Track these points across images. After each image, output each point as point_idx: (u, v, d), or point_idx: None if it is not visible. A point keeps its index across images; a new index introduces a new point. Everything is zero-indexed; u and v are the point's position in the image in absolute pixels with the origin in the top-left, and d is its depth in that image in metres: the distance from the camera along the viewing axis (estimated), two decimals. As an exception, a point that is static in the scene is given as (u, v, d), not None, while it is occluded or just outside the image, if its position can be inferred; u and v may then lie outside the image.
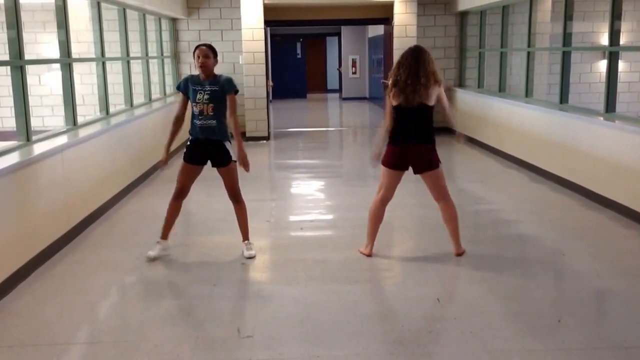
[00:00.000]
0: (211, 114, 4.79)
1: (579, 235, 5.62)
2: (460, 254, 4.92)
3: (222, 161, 4.90)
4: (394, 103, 4.69)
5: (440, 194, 4.86)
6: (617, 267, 4.79)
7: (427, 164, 4.76)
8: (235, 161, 4.94)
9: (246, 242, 5.10)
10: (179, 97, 4.96)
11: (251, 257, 4.98)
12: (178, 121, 4.96)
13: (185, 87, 4.87)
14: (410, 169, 4.81)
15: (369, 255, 4.96)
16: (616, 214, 6.04)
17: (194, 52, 4.86)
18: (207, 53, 4.80)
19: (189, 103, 4.90)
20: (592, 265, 4.83)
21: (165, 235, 5.07)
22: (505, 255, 5.15)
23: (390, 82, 4.70)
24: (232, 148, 4.94)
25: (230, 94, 4.83)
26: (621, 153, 6.09)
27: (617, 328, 3.77)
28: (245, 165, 4.90)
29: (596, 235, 5.60)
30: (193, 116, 4.86)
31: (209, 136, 4.84)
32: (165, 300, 4.33)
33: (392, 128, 4.75)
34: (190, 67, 11.64)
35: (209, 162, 4.96)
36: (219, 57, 12.08)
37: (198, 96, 4.78)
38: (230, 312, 4.06)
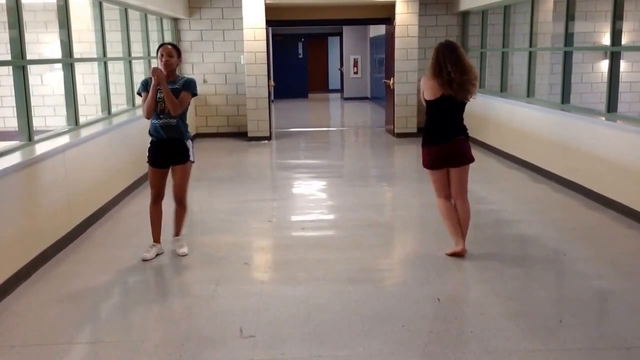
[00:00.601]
0: (171, 113, 4.78)
1: (581, 236, 5.62)
2: (464, 254, 4.93)
3: (180, 159, 4.92)
4: (434, 97, 4.66)
5: (461, 191, 4.88)
6: (618, 267, 4.79)
7: (465, 156, 4.80)
8: (192, 162, 4.98)
9: (177, 237, 5.12)
10: (141, 100, 4.90)
11: (185, 255, 5.02)
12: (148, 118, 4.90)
13: (146, 88, 4.85)
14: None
15: (463, 252, 4.87)
16: (618, 214, 6.04)
17: (157, 50, 4.87)
18: (171, 52, 4.82)
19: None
20: (593, 266, 4.83)
21: (156, 238, 5.11)
22: (506, 255, 5.15)
23: (432, 77, 4.66)
24: (192, 147, 4.97)
25: (186, 92, 4.80)
26: (623, 153, 6.08)
27: (619, 328, 3.77)
28: (159, 74, 4.71)
29: (598, 236, 5.60)
30: (155, 117, 4.84)
31: (170, 135, 4.85)
32: (167, 300, 4.33)
33: (430, 125, 4.78)
34: (192, 68, 11.66)
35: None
36: (221, 57, 12.15)
37: (159, 95, 4.77)
38: (232, 312, 4.06)
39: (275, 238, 5.71)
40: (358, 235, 5.39)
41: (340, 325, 3.79)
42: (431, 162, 4.82)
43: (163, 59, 4.78)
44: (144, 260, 4.96)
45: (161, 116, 4.81)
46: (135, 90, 8.62)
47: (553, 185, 7.38)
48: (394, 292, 4.47)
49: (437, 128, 4.77)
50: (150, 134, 4.93)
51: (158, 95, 4.76)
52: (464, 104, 4.77)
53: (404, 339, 3.62)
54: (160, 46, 4.89)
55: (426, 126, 4.84)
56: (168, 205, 5.11)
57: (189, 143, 4.95)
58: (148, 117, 4.85)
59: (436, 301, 4.16)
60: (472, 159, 4.85)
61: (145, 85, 4.86)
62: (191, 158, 4.96)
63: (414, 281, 4.57)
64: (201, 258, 5.10)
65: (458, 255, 4.89)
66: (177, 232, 5.14)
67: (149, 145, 4.96)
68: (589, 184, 6.70)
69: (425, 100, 4.75)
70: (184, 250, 5.08)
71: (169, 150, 4.90)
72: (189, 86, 4.83)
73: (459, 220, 4.91)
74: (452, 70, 4.59)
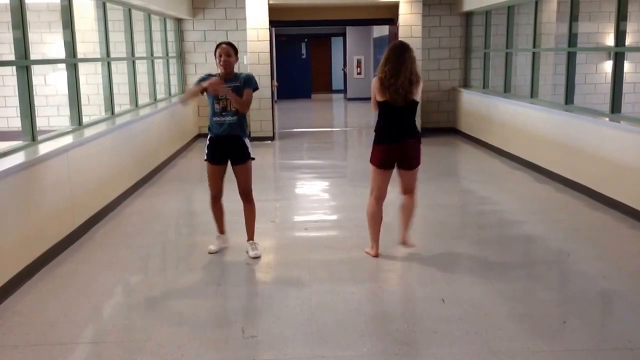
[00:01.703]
0: (233, 109, 4.83)
1: (584, 236, 5.61)
2: (407, 244, 4.99)
3: (241, 158, 4.95)
4: (380, 99, 4.72)
5: (409, 188, 4.93)
6: (622, 268, 4.78)
7: (414, 160, 4.83)
8: (253, 158, 5.02)
9: (251, 242, 5.11)
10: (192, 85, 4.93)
11: (257, 257, 4.99)
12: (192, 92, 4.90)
13: (200, 81, 4.86)
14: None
15: (376, 255, 4.96)
16: (622, 214, 6.02)
17: (215, 50, 4.88)
18: (229, 51, 4.84)
19: (207, 101, 4.91)
20: (597, 266, 4.81)
21: (221, 230, 5.20)
22: (510, 256, 5.14)
23: (377, 78, 4.72)
24: (250, 146, 5.01)
25: (249, 89, 4.85)
26: (626, 154, 6.07)
27: (623, 329, 3.76)
28: (215, 85, 4.73)
29: (601, 236, 5.59)
30: (213, 114, 4.88)
31: (230, 132, 4.88)
32: (169, 300, 4.33)
33: (380, 125, 4.81)
34: (195, 68, 11.66)
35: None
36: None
37: (220, 95, 4.80)
38: (234, 312, 4.06)
39: (278, 238, 5.71)
40: (361, 236, 5.38)
41: (343, 326, 3.79)
42: (379, 160, 4.82)
43: (222, 59, 4.80)
44: (210, 253, 5.04)
45: (223, 113, 4.85)
46: (139, 89, 8.68)
47: (557, 186, 7.36)
48: (397, 293, 4.47)
49: (385, 128, 4.77)
50: (210, 131, 4.95)
51: (221, 95, 4.78)
52: (414, 106, 4.74)
53: (408, 340, 3.61)
54: (217, 46, 4.88)
55: (377, 125, 4.85)
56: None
57: (247, 141, 4.98)
58: (184, 104, 4.87)
59: (440, 301, 4.15)
60: (418, 163, 4.86)
61: (202, 79, 4.85)
62: (251, 155, 5.01)
63: (417, 281, 4.56)
64: (203, 258, 5.09)
65: (372, 256, 4.96)
66: (251, 236, 5.14)
67: (207, 142, 4.98)
68: (593, 184, 6.68)
69: (377, 101, 4.76)
70: (256, 252, 5.04)
71: (227, 148, 4.93)
72: (250, 82, 4.86)
73: (405, 214, 4.97)
74: (387, 72, 4.62)
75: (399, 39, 11.10)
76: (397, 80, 4.61)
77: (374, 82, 4.74)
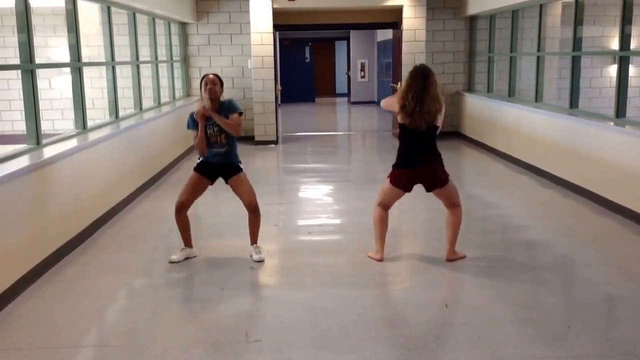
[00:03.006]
0: (224, 142, 4.93)
1: (589, 241, 5.59)
2: (451, 259, 4.93)
3: (233, 172, 5.00)
4: (401, 122, 4.72)
5: (452, 203, 4.91)
6: (627, 273, 4.76)
7: (438, 182, 4.81)
8: (242, 169, 5.06)
9: (255, 245, 5.11)
10: (192, 134, 4.99)
11: (260, 261, 4.99)
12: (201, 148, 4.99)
13: (194, 124, 4.93)
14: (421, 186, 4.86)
15: (380, 260, 4.95)
16: (627, 219, 6.00)
17: (201, 81, 4.95)
18: (215, 80, 4.91)
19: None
20: (602, 272, 4.80)
21: (187, 243, 5.14)
22: (514, 260, 5.13)
23: (399, 103, 4.69)
24: (240, 163, 5.07)
25: (234, 113, 4.88)
26: (632, 158, 6.05)
27: (627, 334, 3.74)
28: (202, 113, 4.82)
29: (606, 241, 5.57)
30: (208, 144, 4.95)
31: (222, 161, 4.98)
32: (173, 304, 4.33)
33: (401, 147, 4.81)
34: (200, 71, 11.68)
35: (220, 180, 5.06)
36: (228, 61, 12.15)
37: (209, 131, 4.90)
38: (238, 316, 4.06)
39: (282, 242, 5.71)
40: (364, 240, 5.37)
41: (346, 330, 3.78)
42: (397, 182, 4.82)
43: (207, 87, 4.85)
44: (171, 262, 4.99)
45: (214, 146, 4.93)
46: (144, 93, 8.70)
47: (561, 191, 7.34)
48: (400, 297, 4.46)
49: (407, 152, 4.77)
50: (207, 153, 4.99)
51: (208, 132, 4.88)
52: (435, 130, 4.75)
53: (411, 345, 3.60)
54: (203, 77, 4.95)
55: (399, 148, 4.84)
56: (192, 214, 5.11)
57: (239, 164, 5.07)
58: (202, 154, 4.97)
59: (443, 306, 4.14)
60: (446, 181, 4.83)
61: (194, 120, 4.93)
62: (241, 166, 5.07)
63: (420, 286, 4.55)
64: (207, 262, 5.09)
65: (377, 261, 4.95)
66: (254, 240, 5.13)
67: (198, 160, 5.05)
68: (598, 189, 6.66)
69: (399, 123, 4.77)
70: (260, 256, 5.04)
71: (217, 170, 5.01)
72: (232, 107, 4.91)
73: (450, 229, 4.93)
74: (410, 98, 4.61)
75: (407, 43, 11.13)
76: (422, 108, 4.60)
77: (395, 101, 4.73)
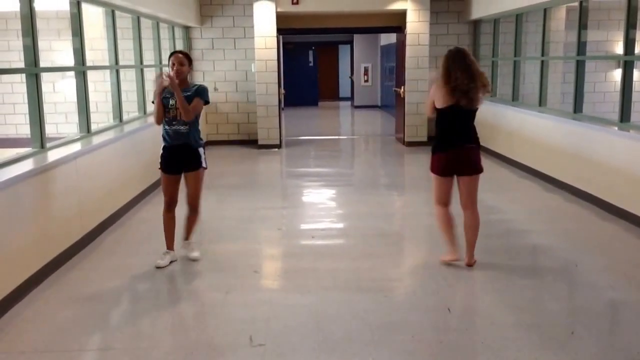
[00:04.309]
0: (183, 119, 4.82)
1: (593, 246, 5.57)
2: (470, 264, 4.90)
3: (192, 166, 4.96)
4: (445, 104, 4.65)
5: (471, 201, 4.86)
6: (631, 278, 4.74)
7: (475, 166, 4.78)
8: (205, 168, 5.03)
9: (187, 241, 5.15)
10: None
11: (196, 260, 5.03)
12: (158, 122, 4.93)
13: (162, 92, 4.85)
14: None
15: (456, 259, 4.90)
16: (631, 224, 5.98)
17: (168, 58, 4.90)
18: (182, 60, 4.86)
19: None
20: (606, 277, 4.78)
21: (169, 245, 5.13)
22: (517, 265, 5.11)
23: (442, 84, 4.64)
24: (204, 154, 5.02)
25: (199, 98, 4.83)
26: (636, 163, 6.03)
27: (631, 340, 3.73)
28: (161, 83, 4.75)
29: (610, 246, 5.55)
30: (166, 122, 4.88)
31: (181, 141, 4.89)
32: (177, 308, 4.33)
33: (440, 133, 4.76)
34: (203, 76, 11.70)
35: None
36: (232, 65, 12.14)
37: (171, 102, 4.82)
38: (242, 320, 4.05)
39: (285, 246, 5.70)
40: (368, 244, 5.37)
41: (349, 335, 3.78)
42: (440, 168, 4.79)
43: (174, 67, 4.81)
44: (157, 267, 4.97)
45: (173, 122, 4.86)
46: (148, 97, 8.71)
47: (565, 195, 7.33)
48: (404, 302, 4.45)
49: (447, 136, 4.75)
50: (164, 139, 4.96)
51: (170, 103, 4.80)
52: (474, 112, 4.75)
53: (414, 349, 3.59)
54: (171, 54, 4.93)
55: (437, 134, 4.82)
56: (179, 211, 5.12)
57: (201, 150, 5.00)
58: (158, 123, 4.92)
59: (447, 311, 4.13)
60: (481, 169, 4.82)
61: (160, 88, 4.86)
62: (203, 164, 5.00)
63: (424, 291, 4.54)
64: (211, 266, 5.09)
65: (453, 262, 4.91)
66: (187, 236, 5.16)
67: (161, 151, 4.99)
68: (602, 194, 6.64)
69: (436, 109, 4.73)
70: (196, 254, 5.10)
71: (180, 157, 4.94)
72: (201, 93, 4.87)
73: (470, 233, 4.89)
74: (460, 77, 4.57)
75: (410, 47, 11.13)
76: (476, 84, 4.57)
77: (436, 88, 4.69)
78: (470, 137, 4.77)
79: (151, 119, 8.27)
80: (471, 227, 4.88)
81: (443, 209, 4.90)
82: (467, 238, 4.92)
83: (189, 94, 4.83)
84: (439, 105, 4.69)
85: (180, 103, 4.74)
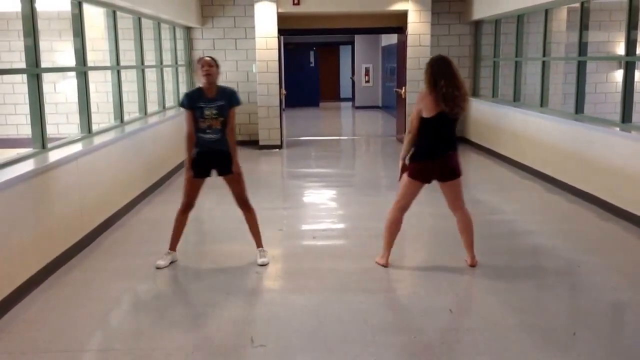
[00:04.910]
0: (219, 127, 4.88)
1: (595, 247, 5.56)
2: (473, 264, 4.89)
3: (228, 169, 4.98)
4: (432, 113, 4.61)
5: (458, 204, 4.87)
6: (633, 279, 4.73)
7: (455, 171, 4.77)
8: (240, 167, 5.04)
9: (260, 249, 5.11)
10: (185, 114, 4.95)
11: (264, 265, 4.99)
12: (191, 137, 4.94)
13: (190, 103, 4.90)
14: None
15: (386, 265, 4.93)
16: (633, 225, 5.98)
17: (197, 63, 4.96)
18: (211, 63, 4.90)
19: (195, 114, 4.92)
20: (607, 277, 4.77)
21: (173, 246, 5.13)
22: (519, 266, 5.11)
23: (430, 93, 4.61)
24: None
25: (233, 107, 4.91)
26: (637, 164, 6.02)
27: (634, 341, 3.72)
28: (237, 170, 4.96)
29: (612, 247, 5.54)
30: (199, 130, 4.90)
31: (217, 147, 4.92)
32: (178, 308, 4.32)
33: (425, 141, 4.70)
34: (205, 76, 11.67)
35: (213, 173, 5.05)
36: (233, 65, 12.15)
37: (206, 112, 4.85)
38: (243, 321, 4.05)
39: (286, 247, 5.69)
40: (369, 245, 5.36)
41: (351, 336, 3.77)
42: (425, 175, 4.75)
43: (204, 69, 4.85)
44: (158, 268, 4.97)
45: (207, 131, 4.89)
46: (149, 98, 8.71)
47: (567, 196, 7.32)
48: (405, 303, 4.44)
49: (432, 144, 4.70)
50: (196, 145, 4.96)
51: (205, 113, 4.83)
52: (457, 119, 4.74)
53: (416, 350, 3.59)
54: (199, 59, 4.96)
55: (420, 142, 4.70)
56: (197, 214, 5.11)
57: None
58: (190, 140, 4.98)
59: (448, 312, 4.12)
60: (460, 173, 4.81)
61: (190, 99, 4.90)
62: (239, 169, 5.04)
63: (425, 291, 4.53)
64: (212, 266, 5.09)
65: (382, 266, 4.93)
66: (259, 244, 5.14)
67: (194, 156, 4.97)
68: (604, 194, 6.64)
69: (422, 117, 4.67)
70: (263, 260, 5.05)
71: (211, 162, 4.97)
72: (233, 100, 4.93)
73: (466, 233, 4.89)
74: (445, 85, 4.55)
75: (411, 48, 11.13)
76: (460, 92, 4.57)
77: (423, 96, 4.65)
78: (453, 144, 4.76)
79: (152, 120, 8.32)
80: (466, 228, 4.89)
81: (400, 216, 4.91)
82: (464, 240, 4.91)
83: (222, 103, 4.86)
84: (426, 114, 4.63)
85: (235, 156, 4.93)
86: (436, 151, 4.70)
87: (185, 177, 5.01)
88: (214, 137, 4.89)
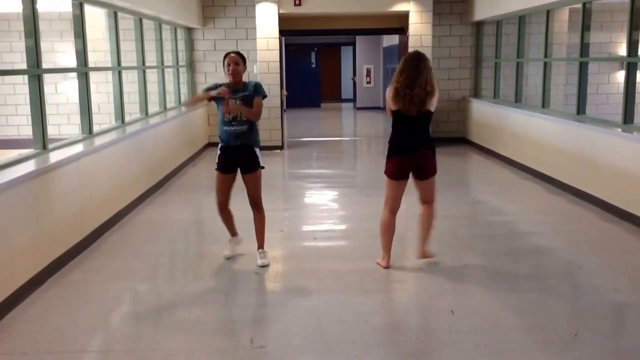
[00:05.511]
0: (244, 119, 4.86)
1: (596, 248, 5.55)
2: (424, 257, 4.95)
3: (251, 167, 4.98)
4: (394, 108, 4.68)
5: (430, 197, 4.90)
6: (635, 280, 4.72)
7: (430, 170, 4.80)
8: (262, 167, 5.05)
9: (260, 250, 5.10)
10: (201, 91, 4.99)
11: (264, 266, 4.98)
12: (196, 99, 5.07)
13: (209, 89, 4.91)
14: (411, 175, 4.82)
15: (387, 267, 4.92)
16: (635, 226, 5.96)
17: (224, 60, 4.92)
18: (237, 60, 4.88)
19: (217, 111, 4.94)
20: (609, 279, 4.76)
21: (232, 233, 5.25)
22: (520, 267, 5.10)
23: (392, 87, 4.67)
24: (260, 155, 5.04)
25: (259, 97, 4.89)
26: (639, 165, 6.01)
27: (635, 343, 3.71)
28: (224, 93, 4.78)
29: (614, 248, 5.53)
30: (223, 123, 4.90)
31: (242, 141, 4.91)
32: (178, 309, 4.32)
33: (393, 137, 4.77)
34: (205, 77, 11.70)
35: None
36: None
37: (231, 103, 4.82)
38: (243, 322, 4.04)
39: (287, 248, 5.69)
40: (370, 246, 5.35)
41: (351, 337, 3.76)
42: (394, 171, 4.79)
43: (231, 68, 4.83)
44: (226, 258, 5.11)
45: (233, 123, 4.87)
46: (150, 98, 8.71)
47: (568, 197, 7.31)
48: (406, 304, 4.44)
49: (399, 139, 4.73)
50: (221, 139, 4.97)
51: (230, 104, 4.80)
52: (428, 116, 4.71)
53: (417, 351, 3.58)
54: (225, 55, 4.93)
55: (391, 136, 4.79)
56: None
57: (257, 150, 5.02)
58: (185, 106, 4.95)
59: (449, 313, 4.11)
60: (434, 172, 4.82)
61: (210, 88, 4.90)
62: (261, 164, 5.03)
63: (426, 293, 4.53)
64: (212, 267, 5.08)
65: (384, 267, 4.93)
66: (260, 245, 5.14)
67: (218, 151, 5.01)
68: (605, 196, 6.62)
69: (392, 111, 4.71)
70: (264, 261, 5.05)
71: (238, 157, 4.96)
72: (259, 90, 4.91)
73: (424, 225, 4.93)
74: (401, 82, 4.58)
75: (413, 49, 11.10)
76: (412, 90, 4.57)
77: (389, 90, 4.71)
78: (422, 141, 4.73)
79: (153, 120, 8.32)
80: (425, 218, 4.92)
81: (391, 217, 4.92)
82: (421, 230, 4.96)
83: (247, 93, 4.85)
84: (391, 106, 4.69)
85: (246, 112, 4.81)
86: (403, 147, 4.72)
87: (216, 177, 5.06)
88: (239, 130, 4.86)
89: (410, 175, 4.83)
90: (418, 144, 4.72)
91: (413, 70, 4.59)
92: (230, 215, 5.19)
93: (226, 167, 4.99)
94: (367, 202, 7.39)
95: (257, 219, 5.12)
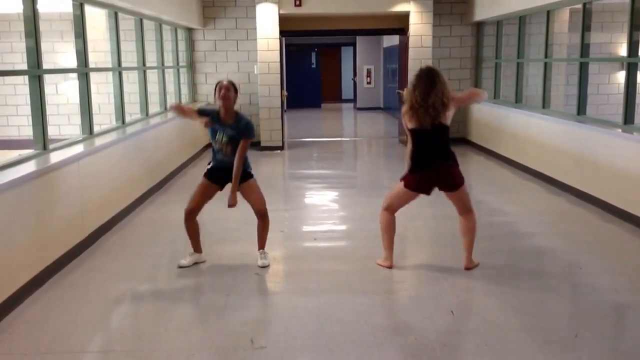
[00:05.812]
0: (229, 154, 4.90)
1: (597, 249, 5.55)
2: (469, 267, 4.88)
3: (243, 178, 4.97)
4: (410, 126, 4.66)
5: (465, 209, 4.84)
6: (635, 281, 4.72)
7: (453, 183, 4.74)
8: (252, 175, 5.05)
9: (261, 251, 5.10)
10: (195, 112, 5.04)
11: (265, 267, 4.98)
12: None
13: (205, 113, 4.99)
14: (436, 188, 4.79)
15: (390, 266, 4.92)
16: (635, 227, 5.96)
17: (215, 87, 4.94)
18: (229, 86, 4.91)
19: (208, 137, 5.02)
20: (609, 279, 4.76)
21: (196, 248, 5.14)
22: (521, 268, 5.10)
23: (407, 105, 4.65)
24: (250, 167, 5.06)
25: (246, 140, 4.89)
26: (639, 165, 6.01)
27: (635, 343, 3.71)
28: (232, 203, 4.91)
29: (614, 249, 5.53)
30: (213, 148, 4.97)
31: (230, 166, 4.92)
32: (178, 310, 4.32)
33: (414, 153, 4.71)
34: (206, 77, 11.71)
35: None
36: (235, 67, 12.16)
37: (217, 136, 4.89)
38: (243, 322, 4.04)
39: (287, 248, 5.69)
40: (370, 246, 5.35)
41: (352, 337, 3.76)
42: (412, 184, 4.75)
43: (222, 92, 4.85)
44: (180, 267, 5.00)
45: (219, 153, 4.94)
46: (150, 98, 8.72)
47: (569, 198, 7.30)
48: (406, 304, 4.44)
49: (421, 156, 4.69)
50: (212, 158, 5.03)
51: (217, 137, 4.87)
52: (445, 130, 4.67)
53: (417, 352, 3.58)
54: (217, 83, 4.95)
55: (412, 154, 4.72)
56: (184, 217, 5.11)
57: (246, 172, 5.01)
58: (172, 110, 5.07)
59: (450, 314, 4.11)
60: (462, 183, 4.77)
61: (209, 114, 4.94)
62: (251, 172, 5.05)
63: (427, 293, 4.53)
64: (213, 268, 5.08)
65: (387, 268, 4.92)
66: (261, 246, 5.13)
67: (208, 166, 5.05)
68: (605, 196, 6.62)
69: (409, 129, 4.69)
70: (264, 261, 5.04)
71: (227, 176, 4.94)
72: (247, 133, 4.89)
73: (467, 236, 4.87)
74: (417, 97, 4.57)
75: (413, 49, 11.13)
76: (427, 101, 4.54)
77: (404, 109, 4.70)
78: (445, 155, 4.70)
79: (153, 121, 8.32)
80: (469, 231, 4.86)
81: (390, 216, 4.91)
82: (465, 242, 4.90)
83: (234, 133, 4.86)
84: (409, 125, 4.67)
85: (235, 186, 4.87)
86: (425, 163, 4.68)
87: (199, 183, 5.03)
88: (225, 160, 4.92)
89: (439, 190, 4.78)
90: (439, 159, 4.68)
91: (428, 84, 4.57)
92: (196, 227, 5.08)
93: (214, 178, 5.00)
94: (368, 202, 7.38)
95: (261, 226, 5.12)
